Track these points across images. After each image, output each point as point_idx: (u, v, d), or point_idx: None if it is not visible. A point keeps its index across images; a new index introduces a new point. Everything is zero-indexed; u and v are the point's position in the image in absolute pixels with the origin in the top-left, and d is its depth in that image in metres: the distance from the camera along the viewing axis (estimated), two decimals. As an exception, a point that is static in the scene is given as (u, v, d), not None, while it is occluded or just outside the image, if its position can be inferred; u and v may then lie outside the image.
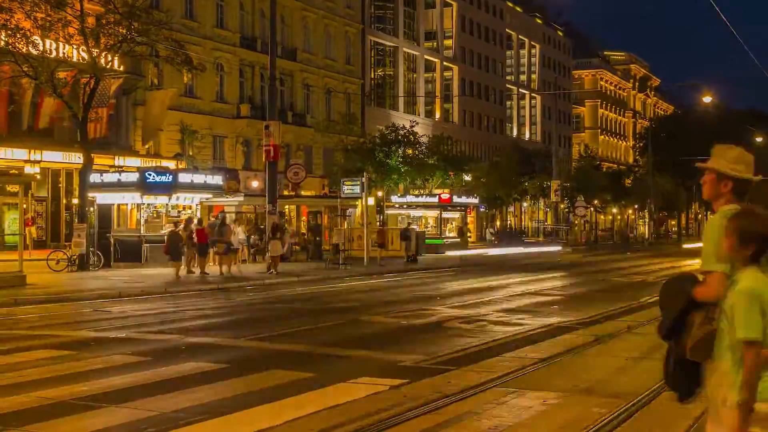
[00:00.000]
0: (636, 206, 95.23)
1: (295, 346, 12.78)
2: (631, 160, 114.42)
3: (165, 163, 41.50)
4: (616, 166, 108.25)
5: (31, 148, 37.78)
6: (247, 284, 25.62)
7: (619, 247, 66.41)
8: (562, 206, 66.26)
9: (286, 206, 46.69)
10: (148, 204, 34.46)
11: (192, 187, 35.52)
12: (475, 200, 62.10)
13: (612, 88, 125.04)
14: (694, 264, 36.88)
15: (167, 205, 35.08)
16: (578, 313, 17.51)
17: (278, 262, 30.01)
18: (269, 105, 35.30)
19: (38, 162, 38.33)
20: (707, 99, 66.22)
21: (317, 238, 41.56)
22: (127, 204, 35.16)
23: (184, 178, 35.41)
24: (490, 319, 16.38)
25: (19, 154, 37.75)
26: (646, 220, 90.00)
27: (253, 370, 10.57)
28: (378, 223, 54.38)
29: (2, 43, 29.01)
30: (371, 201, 50.82)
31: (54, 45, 32.65)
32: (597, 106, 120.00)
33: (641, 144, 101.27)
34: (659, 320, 4.18)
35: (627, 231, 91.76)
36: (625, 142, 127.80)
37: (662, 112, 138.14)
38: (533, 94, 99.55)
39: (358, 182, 39.71)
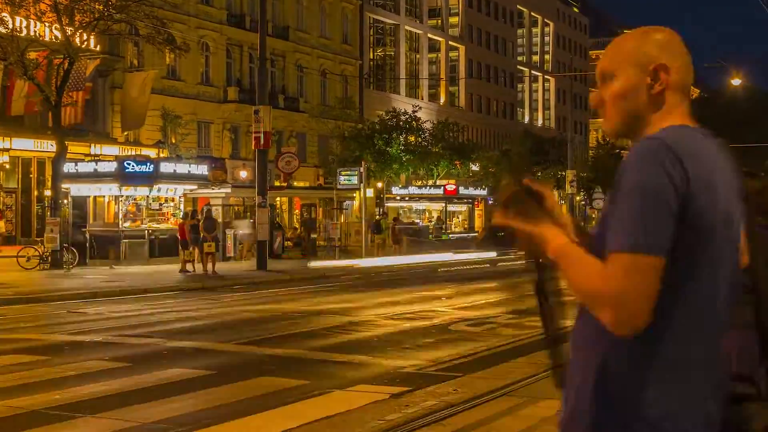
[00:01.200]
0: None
1: (286, 351, 12.76)
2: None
3: (145, 151, 41.46)
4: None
5: None
6: (233, 283, 25.63)
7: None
8: (578, 198, 66.26)
9: (278, 198, 46.71)
10: (127, 196, 34.45)
11: (175, 178, 35.50)
12: (483, 192, 62.11)
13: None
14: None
15: (148, 197, 35.07)
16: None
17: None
18: (259, 88, 35.20)
19: (7, 150, 38.28)
20: (736, 81, 66.14)
21: (311, 234, 41.61)
22: (104, 196, 35.15)
23: (166, 167, 35.40)
24: (499, 321, 16.36)
25: (-14, 141, 37.75)
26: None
27: (240, 377, 10.56)
28: (377, 217, 54.36)
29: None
30: (370, 193, 50.75)
31: (25, 23, 32.60)
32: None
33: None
34: None
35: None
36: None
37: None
38: (546, 77, 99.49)
39: (356, 172, 39.68)
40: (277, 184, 44.45)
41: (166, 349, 12.90)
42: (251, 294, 22.84)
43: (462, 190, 57.67)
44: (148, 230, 33.59)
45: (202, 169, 37.41)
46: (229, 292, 23.63)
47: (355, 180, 39.89)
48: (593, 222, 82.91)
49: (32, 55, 30.51)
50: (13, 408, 8.81)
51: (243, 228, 35.58)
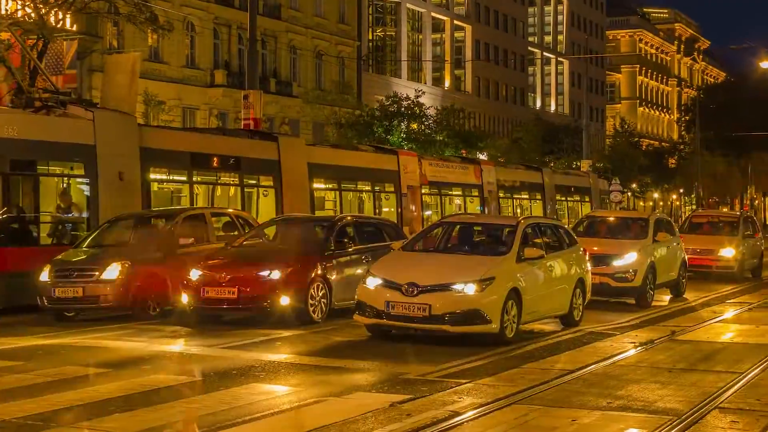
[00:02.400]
0: (681, 190, 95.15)
1: (276, 355, 12.78)
2: (675, 136, 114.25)
3: (126, 139, 41.44)
4: (657, 143, 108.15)
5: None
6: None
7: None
8: (594, 190, 66.23)
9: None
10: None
11: (158, 168, 35.49)
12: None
13: (653, 51, 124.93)
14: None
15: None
16: (613, 317, 17.52)
17: None
18: (249, 71, 35.13)
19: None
20: (766, 64, 66.11)
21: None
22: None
23: (148, 157, 35.37)
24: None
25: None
26: (694, 206, 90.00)
27: (227, 383, 10.56)
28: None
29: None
30: (369, 184, 50.71)
31: (-6, 0, 32.50)
32: (635, 72, 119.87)
33: (687, 117, 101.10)
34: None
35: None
36: (668, 115, 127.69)
37: (712, 80, 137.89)
38: (560, 59, 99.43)
39: (354, 162, 39.67)
40: (268, 175, 44.40)
41: (148, 353, 12.90)
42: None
43: (469, 182, 57.54)
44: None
45: (188, 159, 37.37)
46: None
47: (352, 171, 39.84)
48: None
49: (3, 35, 30.44)
50: (-18, 417, 8.82)
51: None
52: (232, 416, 8.85)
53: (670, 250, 21.75)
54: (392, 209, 30.35)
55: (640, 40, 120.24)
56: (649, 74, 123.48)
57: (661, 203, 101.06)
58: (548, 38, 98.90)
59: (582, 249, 17.06)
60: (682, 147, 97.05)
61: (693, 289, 23.22)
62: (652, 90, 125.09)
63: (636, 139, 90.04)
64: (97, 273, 16.50)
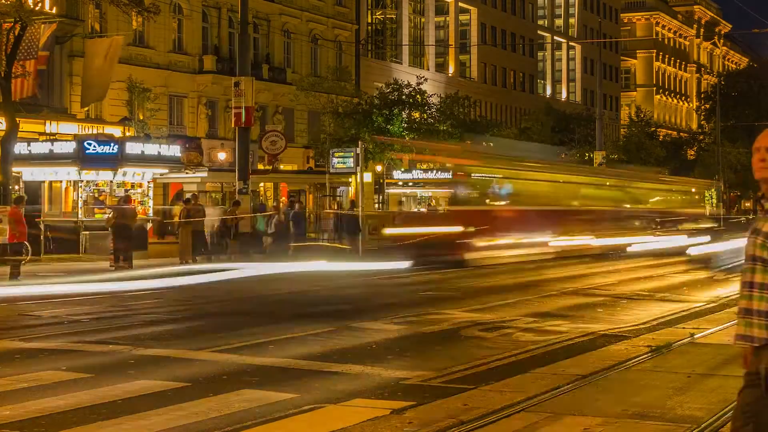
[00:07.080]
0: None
1: (270, 360, 12.77)
2: (694, 125, 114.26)
3: (108, 129, 41.44)
4: (675, 133, 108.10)
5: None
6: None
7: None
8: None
9: (261, 183, 46.71)
10: (88, 181, 34.45)
11: (143, 160, 35.56)
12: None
13: (671, 35, 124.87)
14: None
15: (111, 182, 35.09)
16: (628, 318, 17.51)
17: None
18: (240, 57, 35.21)
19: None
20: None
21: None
22: (61, 181, 35.16)
23: (132, 148, 35.47)
24: (517, 325, 16.37)
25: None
26: (714, 200, 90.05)
27: (218, 389, 10.56)
28: (375, 204, 54.42)
29: None
30: (368, 177, 50.74)
31: (-32, -19, 32.46)
32: (652, 58, 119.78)
33: (707, 105, 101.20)
34: None
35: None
36: (687, 104, 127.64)
37: (734, 66, 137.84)
38: (572, 43, 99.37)
39: (352, 154, 39.75)
40: (260, 167, 44.48)
41: (132, 357, 12.90)
42: (225, 293, 22.88)
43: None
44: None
45: (174, 150, 37.43)
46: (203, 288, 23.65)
47: (350, 162, 39.96)
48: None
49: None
50: (-44, 425, 8.82)
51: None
52: (222, 424, 8.86)
53: None
54: None
55: (657, 24, 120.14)
56: (666, 60, 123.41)
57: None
58: (559, 21, 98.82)
59: None
60: (701, 137, 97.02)
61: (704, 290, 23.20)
62: (669, 77, 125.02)
63: (652, 128, 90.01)
64: None
